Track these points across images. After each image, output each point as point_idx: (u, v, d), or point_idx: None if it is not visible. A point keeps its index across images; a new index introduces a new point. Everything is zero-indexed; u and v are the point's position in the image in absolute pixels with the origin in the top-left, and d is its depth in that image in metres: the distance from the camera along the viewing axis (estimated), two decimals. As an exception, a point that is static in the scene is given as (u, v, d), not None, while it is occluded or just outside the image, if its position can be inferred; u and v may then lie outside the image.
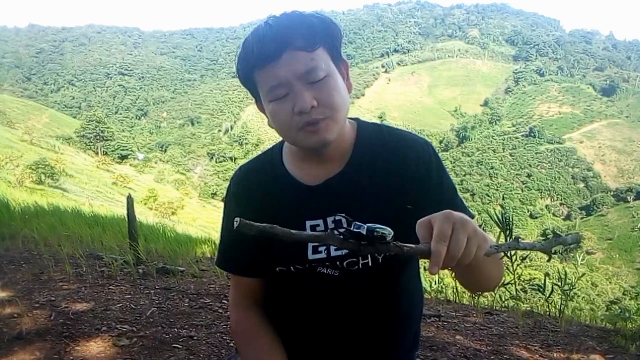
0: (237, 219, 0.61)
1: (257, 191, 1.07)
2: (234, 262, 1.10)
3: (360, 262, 1.00)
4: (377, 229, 0.67)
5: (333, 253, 1.00)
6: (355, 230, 0.67)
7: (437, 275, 3.87)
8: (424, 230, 0.73)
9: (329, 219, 1.01)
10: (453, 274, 0.93)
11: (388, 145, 1.03)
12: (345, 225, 0.68)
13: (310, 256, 1.00)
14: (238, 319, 1.10)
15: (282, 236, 0.63)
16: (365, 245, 0.67)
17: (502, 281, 3.12)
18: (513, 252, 2.97)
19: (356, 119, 1.08)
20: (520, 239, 0.76)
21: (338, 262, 1.00)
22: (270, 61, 0.89)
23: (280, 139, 1.12)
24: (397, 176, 1.00)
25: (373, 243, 0.67)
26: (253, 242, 1.02)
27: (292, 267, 1.02)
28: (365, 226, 0.67)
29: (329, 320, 1.04)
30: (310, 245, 1.01)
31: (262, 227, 0.62)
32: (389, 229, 0.68)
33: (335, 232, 0.66)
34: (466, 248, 0.70)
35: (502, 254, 0.96)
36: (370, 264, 1.00)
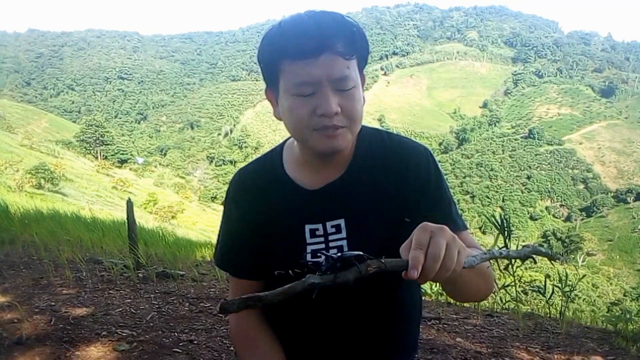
0: (221, 300, 0.58)
1: (256, 194, 1.07)
2: (234, 264, 1.11)
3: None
4: (346, 254, 0.67)
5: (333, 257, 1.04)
6: (327, 255, 0.67)
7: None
8: (406, 251, 0.72)
9: (329, 224, 1.01)
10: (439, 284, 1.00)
11: (388, 151, 1.04)
12: (323, 259, 0.68)
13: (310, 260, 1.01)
14: (237, 323, 1.10)
15: (265, 299, 0.61)
16: (342, 272, 0.66)
17: (503, 283, 3.13)
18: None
19: None
20: (494, 249, 0.76)
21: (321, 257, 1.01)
22: (307, 57, 0.87)
23: (281, 139, 1.14)
24: (397, 182, 1.01)
25: (351, 263, 0.66)
26: (253, 245, 1.07)
27: (290, 271, 1.00)
28: (336, 255, 0.67)
29: (327, 325, 1.04)
30: (309, 249, 1.01)
31: (246, 297, 0.59)
32: (360, 252, 0.68)
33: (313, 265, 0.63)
34: (448, 251, 0.71)
35: (489, 263, 0.96)
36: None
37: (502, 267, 2.79)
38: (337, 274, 0.65)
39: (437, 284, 3.80)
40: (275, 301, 0.62)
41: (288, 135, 1.12)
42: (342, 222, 1.01)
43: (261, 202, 1.06)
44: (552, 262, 0.86)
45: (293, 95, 0.91)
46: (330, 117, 0.90)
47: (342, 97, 0.90)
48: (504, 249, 0.75)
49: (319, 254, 0.99)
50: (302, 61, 0.88)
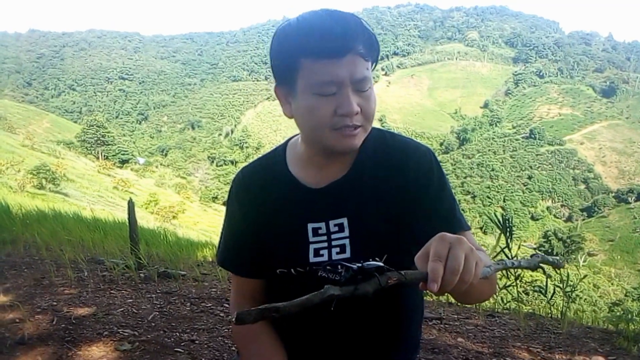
0: (235, 312, 0.59)
1: (259, 192, 1.07)
2: (236, 262, 1.11)
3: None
4: (366, 265, 0.66)
5: (334, 257, 1.01)
6: (348, 265, 0.66)
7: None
8: (422, 261, 0.72)
9: (332, 222, 1.01)
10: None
11: (391, 152, 1.04)
12: (341, 269, 0.66)
13: (312, 259, 1.01)
14: None
15: (283, 309, 0.60)
16: (362, 282, 0.65)
17: (504, 283, 3.13)
18: (514, 254, 2.98)
19: None
20: (506, 259, 0.76)
21: (339, 267, 0.99)
22: (332, 57, 0.88)
23: (281, 140, 1.14)
24: (399, 182, 1.01)
25: (372, 275, 0.66)
26: (255, 243, 1.07)
27: (292, 270, 1.02)
28: (356, 265, 0.66)
29: (329, 324, 1.04)
30: (311, 247, 1.01)
31: (262, 308, 0.59)
32: (380, 263, 0.68)
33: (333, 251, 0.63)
34: (466, 264, 0.70)
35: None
36: None
37: (512, 278, 2.79)
38: (357, 286, 0.65)
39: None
40: (293, 312, 0.61)
41: (289, 135, 1.12)
42: (344, 220, 1.01)
43: (264, 201, 1.06)
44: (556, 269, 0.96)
45: (314, 95, 0.91)
46: (351, 117, 0.91)
47: (361, 97, 0.92)
48: (515, 259, 0.79)
49: (339, 265, 0.98)
50: (327, 60, 0.88)
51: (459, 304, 3.31)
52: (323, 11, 0.91)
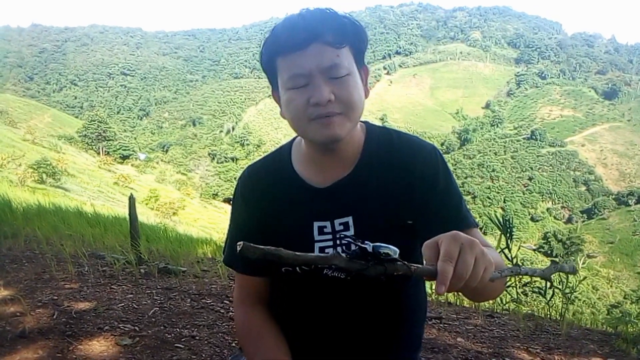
0: (240, 242, 0.59)
1: (264, 191, 1.08)
2: (242, 261, 1.10)
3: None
4: (382, 248, 0.65)
5: None
6: (362, 246, 0.65)
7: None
8: (430, 251, 0.71)
9: (337, 221, 1.02)
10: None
11: (396, 150, 1.04)
12: (352, 244, 0.66)
13: None
14: (243, 317, 1.11)
15: (286, 259, 0.61)
16: (372, 265, 0.65)
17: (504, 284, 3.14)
18: (514, 254, 2.98)
19: (365, 122, 1.09)
20: (521, 265, 0.79)
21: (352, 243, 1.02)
22: (296, 50, 0.90)
23: (287, 139, 1.15)
24: (404, 180, 1.01)
25: (381, 262, 0.65)
26: (260, 241, 1.10)
27: (297, 269, 1.02)
28: (372, 245, 0.65)
29: (333, 321, 1.04)
30: (317, 246, 1.01)
31: (266, 249, 0.60)
32: (395, 248, 0.66)
33: (341, 249, 0.64)
34: (474, 270, 0.69)
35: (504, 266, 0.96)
36: None
37: (513, 278, 2.79)
38: (362, 267, 0.65)
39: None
40: (290, 261, 0.62)
41: (290, 133, 1.14)
42: (349, 219, 1.01)
43: (269, 199, 1.06)
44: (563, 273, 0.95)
45: (289, 90, 0.93)
46: (323, 105, 0.90)
47: (335, 84, 0.91)
48: (530, 267, 0.79)
49: (344, 234, 1.00)
50: (293, 54, 0.90)
51: (458, 303, 3.32)
52: (300, 11, 0.94)
